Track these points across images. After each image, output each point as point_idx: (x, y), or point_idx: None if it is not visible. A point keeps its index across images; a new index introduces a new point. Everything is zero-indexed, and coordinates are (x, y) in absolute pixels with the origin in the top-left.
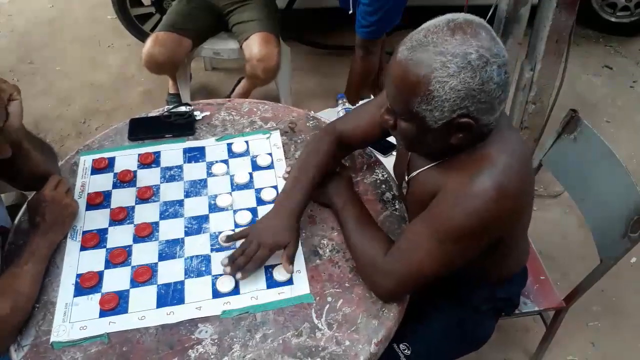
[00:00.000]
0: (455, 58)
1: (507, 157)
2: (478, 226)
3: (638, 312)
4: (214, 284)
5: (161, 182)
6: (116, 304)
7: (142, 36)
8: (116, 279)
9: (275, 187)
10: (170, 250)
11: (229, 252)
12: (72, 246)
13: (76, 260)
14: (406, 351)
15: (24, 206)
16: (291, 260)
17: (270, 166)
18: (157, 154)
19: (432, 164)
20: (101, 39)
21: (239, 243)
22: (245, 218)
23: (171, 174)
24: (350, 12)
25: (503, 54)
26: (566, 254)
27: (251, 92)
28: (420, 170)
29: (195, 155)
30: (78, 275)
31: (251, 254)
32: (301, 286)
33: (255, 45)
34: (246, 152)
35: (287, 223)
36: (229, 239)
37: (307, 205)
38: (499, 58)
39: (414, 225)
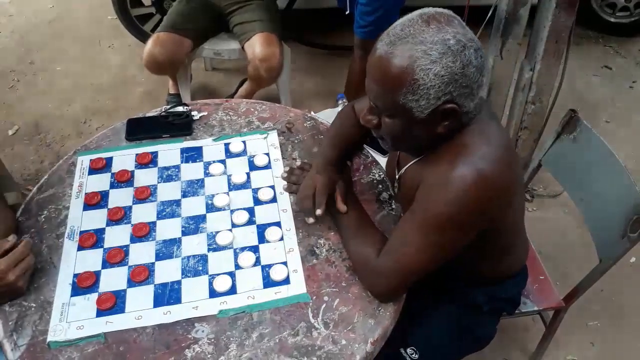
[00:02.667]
0: (435, 45)
1: (485, 145)
2: (461, 213)
3: (638, 312)
4: (210, 284)
5: (158, 182)
6: (113, 304)
7: (142, 36)
8: (113, 279)
9: (273, 187)
10: (167, 250)
11: (226, 252)
12: (69, 246)
13: (73, 260)
14: (414, 355)
15: (22, 206)
16: (344, 197)
17: (267, 166)
18: (155, 154)
19: (415, 160)
20: (101, 39)
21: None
22: (242, 218)
23: (168, 174)
24: (347, 12)
25: (476, 39)
26: (566, 254)
27: (254, 94)
28: (405, 167)
29: (192, 155)
30: (75, 275)
31: (312, 192)
32: (298, 286)
33: (257, 46)
34: (243, 152)
35: (324, 180)
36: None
37: (343, 160)
38: (474, 42)
39: (402, 222)
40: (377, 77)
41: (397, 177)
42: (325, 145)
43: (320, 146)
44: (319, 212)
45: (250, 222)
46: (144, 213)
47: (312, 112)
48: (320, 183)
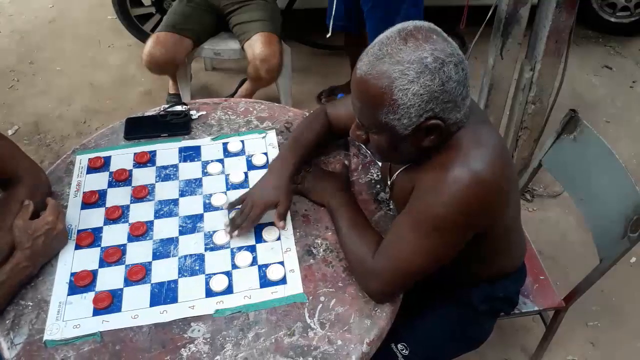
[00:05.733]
0: (412, 65)
1: (478, 148)
2: (457, 214)
3: (638, 312)
4: (207, 283)
5: (156, 181)
6: (110, 303)
7: (142, 36)
8: (110, 278)
9: None
10: (164, 249)
11: (223, 251)
12: (66, 245)
13: (70, 259)
14: (404, 351)
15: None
16: (282, 217)
17: (265, 166)
18: (153, 153)
19: (407, 165)
20: (101, 39)
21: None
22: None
23: (166, 173)
24: (329, 35)
25: (457, 52)
26: (566, 254)
27: (254, 94)
28: (399, 171)
29: (190, 154)
30: (72, 274)
31: (247, 214)
32: (294, 285)
33: (257, 46)
34: (241, 152)
35: (277, 183)
36: (231, 205)
37: (299, 170)
38: (454, 57)
39: (397, 223)
40: (359, 97)
41: (389, 182)
42: (285, 153)
43: (281, 150)
44: (235, 233)
45: None
46: (141, 212)
47: None
48: (255, 212)
